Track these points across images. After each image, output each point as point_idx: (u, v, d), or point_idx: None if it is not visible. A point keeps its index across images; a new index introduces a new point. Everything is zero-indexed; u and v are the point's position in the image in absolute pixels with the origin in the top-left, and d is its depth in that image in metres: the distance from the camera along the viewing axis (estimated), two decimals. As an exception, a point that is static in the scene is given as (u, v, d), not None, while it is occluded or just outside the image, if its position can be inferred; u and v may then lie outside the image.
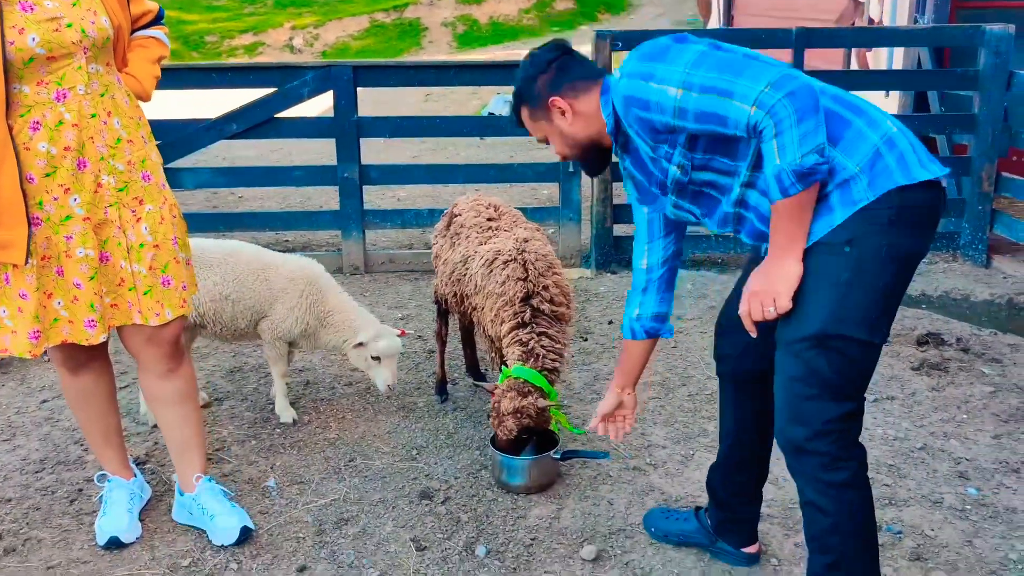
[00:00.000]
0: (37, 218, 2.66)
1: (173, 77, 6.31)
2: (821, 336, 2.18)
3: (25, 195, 2.61)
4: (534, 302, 3.52)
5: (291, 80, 5.97)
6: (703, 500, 3.30)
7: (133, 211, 2.81)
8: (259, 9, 25.61)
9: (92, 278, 2.73)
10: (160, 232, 2.86)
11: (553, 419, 3.47)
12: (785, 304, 2.20)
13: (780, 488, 3.38)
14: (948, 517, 3.20)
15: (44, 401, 4.24)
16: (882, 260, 2.14)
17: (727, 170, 2.29)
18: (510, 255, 3.64)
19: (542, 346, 3.45)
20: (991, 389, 4.21)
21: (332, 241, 6.77)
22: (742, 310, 2.29)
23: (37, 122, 2.61)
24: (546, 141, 2.54)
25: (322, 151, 6.99)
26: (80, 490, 3.45)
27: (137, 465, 3.60)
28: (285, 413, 4.00)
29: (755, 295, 2.25)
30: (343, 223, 6.24)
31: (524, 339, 3.47)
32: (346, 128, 6.00)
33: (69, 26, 2.60)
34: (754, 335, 2.32)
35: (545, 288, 3.57)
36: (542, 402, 3.35)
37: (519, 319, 3.50)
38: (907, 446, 3.69)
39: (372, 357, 3.83)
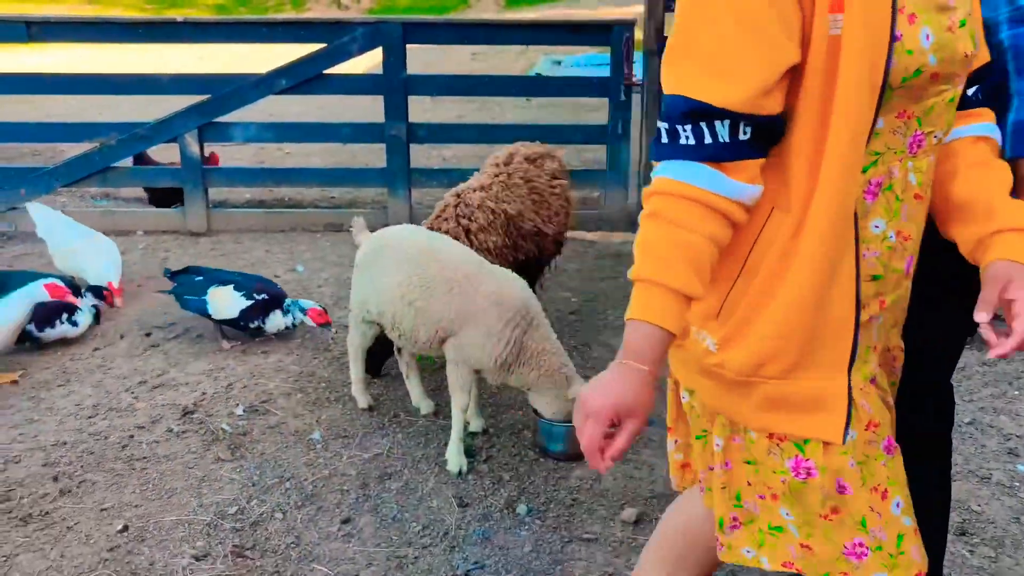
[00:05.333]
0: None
1: (222, 31, 6.37)
2: None
3: (857, 303, 1.59)
4: None
5: (340, 36, 5.95)
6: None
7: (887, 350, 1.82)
8: (307, -36, 25.58)
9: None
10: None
11: None
12: None
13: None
14: (996, 493, 3.16)
15: (96, 349, 4.33)
16: None
17: None
18: None
19: None
20: (1044, 366, 4.13)
21: (378, 199, 6.79)
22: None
23: (878, 184, 1.58)
24: None
25: (367, 109, 6.99)
26: (131, 436, 3.52)
27: (185, 415, 3.68)
28: (454, 460, 3.29)
29: None
30: (390, 180, 6.25)
31: None
32: (395, 85, 5.98)
33: (962, 25, 1.56)
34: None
35: None
36: None
37: None
38: (956, 420, 3.64)
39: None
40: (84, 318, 4.36)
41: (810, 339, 1.58)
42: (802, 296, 1.55)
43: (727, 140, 1.46)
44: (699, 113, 1.46)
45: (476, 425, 3.56)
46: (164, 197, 6.41)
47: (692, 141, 1.47)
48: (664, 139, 1.50)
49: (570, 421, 3.33)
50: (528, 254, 3.98)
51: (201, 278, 4.40)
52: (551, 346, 3.22)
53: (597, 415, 1.47)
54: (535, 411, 3.37)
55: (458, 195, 3.93)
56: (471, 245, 3.69)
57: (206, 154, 6.44)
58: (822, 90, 1.48)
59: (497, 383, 3.33)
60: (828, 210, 1.51)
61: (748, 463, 1.71)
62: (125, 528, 2.96)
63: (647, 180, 1.56)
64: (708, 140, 1.46)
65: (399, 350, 3.69)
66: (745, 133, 1.46)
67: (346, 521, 3.01)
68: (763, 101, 1.46)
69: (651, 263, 1.52)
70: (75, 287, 4.48)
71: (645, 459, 3.37)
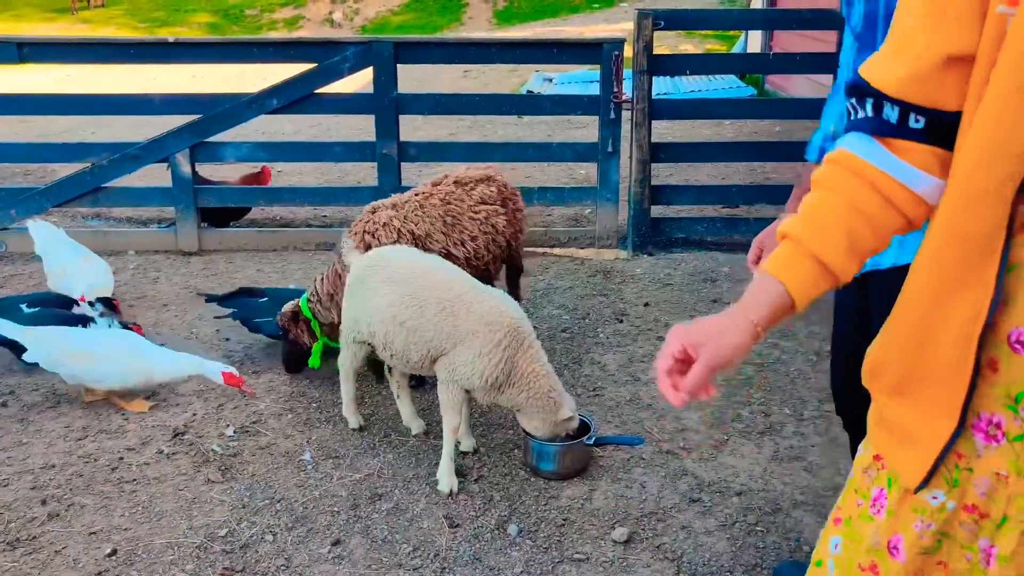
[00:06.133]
0: (991, 421, 1.35)
1: (214, 51, 6.41)
2: None
3: (978, 356, 1.33)
4: None
5: (332, 56, 5.97)
6: (736, 485, 3.31)
7: None
8: (300, -18, 25.70)
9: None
10: None
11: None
12: None
13: (814, 476, 3.36)
14: None
15: (87, 370, 4.32)
16: None
17: None
18: None
19: None
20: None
21: (370, 217, 6.80)
22: None
23: None
24: None
25: (358, 127, 7.02)
26: (121, 458, 3.51)
27: (175, 436, 3.67)
28: (445, 479, 3.30)
29: None
30: (381, 199, 6.25)
31: None
32: (385, 104, 6.00)
33: None
34: None
35: None
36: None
37: None
38: None
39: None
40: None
41: (910, 365, 1.41)
42: (903, 315, 1.43)
43: (894, 123, 1.34)
44: (861, 89, 1.39)
45: (467, 445, 3.56)
46: (217, 216, 6.42)
47: (861, 115, 1.39)
48: (848, 116, 1.44)
49: (560, 441, 3.34)
50: None
51: (265, 299, 4.42)
52: (541, 368, 3.22)
53: (668, 341, 1.40)
54: (525, 431, 3.37)
55: (373, 211, 3.93)
56: None
57: (257, 169, 6.54)
58: (980, 95, 1.27)
59: (488, 403, 3.33)
60: (938, 233, 1.35)
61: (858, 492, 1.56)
62: (114, 552, 2.95)
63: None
64: (871, 114, 1.37)
65: (390, 370, 3.69)
66: (917, 122, 1.33)
67: (336, 543, 3.01)
68: (924, 89, 1.31)
69: (806, 226, 1.40)
70: (72, 302, 4.49)
71: (636, 478, 3.37)
